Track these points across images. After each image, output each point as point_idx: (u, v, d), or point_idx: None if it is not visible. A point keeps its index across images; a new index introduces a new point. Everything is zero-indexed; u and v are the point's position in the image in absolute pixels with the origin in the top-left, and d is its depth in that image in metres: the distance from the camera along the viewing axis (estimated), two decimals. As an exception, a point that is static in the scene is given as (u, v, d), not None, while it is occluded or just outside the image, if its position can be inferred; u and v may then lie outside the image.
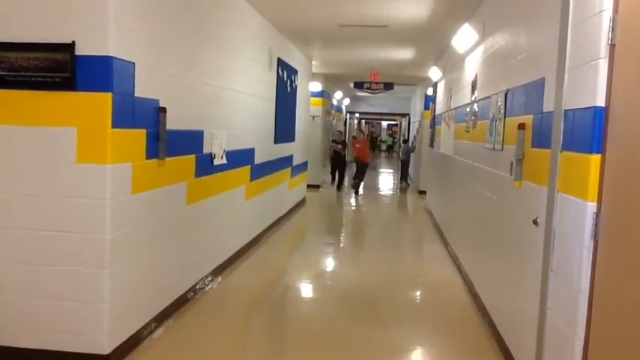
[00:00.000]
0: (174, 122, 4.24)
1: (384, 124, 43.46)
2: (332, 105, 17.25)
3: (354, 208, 12.74)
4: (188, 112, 4.64)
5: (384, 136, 43.77)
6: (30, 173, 3.40)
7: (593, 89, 2.61)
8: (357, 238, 8.95)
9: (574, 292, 2.70)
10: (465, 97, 6.81)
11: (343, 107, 21.95)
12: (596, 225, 2.57)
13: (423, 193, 13.65)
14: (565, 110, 2.97)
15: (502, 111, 4.52)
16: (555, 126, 3.08)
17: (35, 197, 3.41)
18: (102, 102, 3.33)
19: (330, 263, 7.17)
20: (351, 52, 10.49)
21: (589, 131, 2.63)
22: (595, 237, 2.58)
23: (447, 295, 5.68)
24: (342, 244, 8.35)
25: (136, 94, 3.64)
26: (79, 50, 3.31)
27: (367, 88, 13.36)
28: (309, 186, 12.78)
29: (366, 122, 41.21)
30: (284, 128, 8.95)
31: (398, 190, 16.43)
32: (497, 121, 4.69)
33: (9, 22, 3.35)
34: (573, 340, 2.68)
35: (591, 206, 2.60)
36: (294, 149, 10.23)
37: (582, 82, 2.77)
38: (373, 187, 16.63)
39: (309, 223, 10.38)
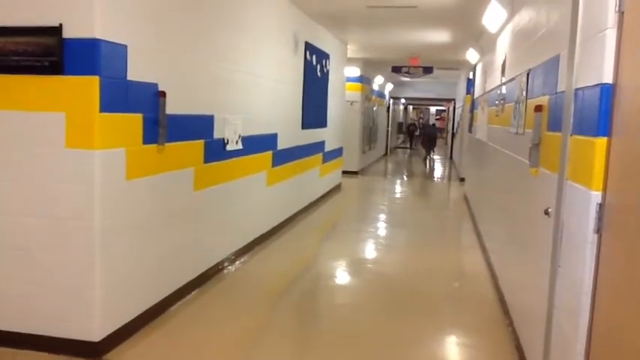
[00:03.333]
0: (177, 106, 4.13)
1: (433, 109, 42.59)
2: (372, 90, 16.90)
3: (389, 194, 12.49)
4: (195, 96, 4.52)
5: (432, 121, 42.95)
6: (19, 159, 3.35)
7: (599, 64, 2.31)
8: (387, 227, 8.70)
9: (577, 292, 2.43)
10: (496, 79, 6.44)
11: (386, 93, 21.51)
12: (599, 218, 2.29)
13: (464, 180, 13.26)
14: (575, 89, 2.67)
15: (524, 92, 4.20)
16: (566, 107, 2.78)
17: (25, 183, 3.37)
18: (89, 86, 3.23)
19: (357, 250, 6.97)
20: (386, 35, 10.16)
21: (595, 112, 2.34)
22: (599, 231, 2.30)
23: (472, 289, 5.40)
24: (371, 231, 8.13)
25: (129, 78, 3.53)
26: (67, 33, 3.22)
27: (406, 72, 13.00)
28: (345, 172, 12.67)
29: (413, 108, 40.46)
30: (313, 114, 8.77)
31: (443, 179, 16.01)
32: (521, 104, 4.36)
33: (-4, 6, 3.29)
34: (575, 345, 2.42)
35: (595, 196, 2.31)
36: (327, 135, 10.04)
37: (591, 56, 2.48)
38: (416, 174, 16.28)
39: (343, 209, 10.21)
